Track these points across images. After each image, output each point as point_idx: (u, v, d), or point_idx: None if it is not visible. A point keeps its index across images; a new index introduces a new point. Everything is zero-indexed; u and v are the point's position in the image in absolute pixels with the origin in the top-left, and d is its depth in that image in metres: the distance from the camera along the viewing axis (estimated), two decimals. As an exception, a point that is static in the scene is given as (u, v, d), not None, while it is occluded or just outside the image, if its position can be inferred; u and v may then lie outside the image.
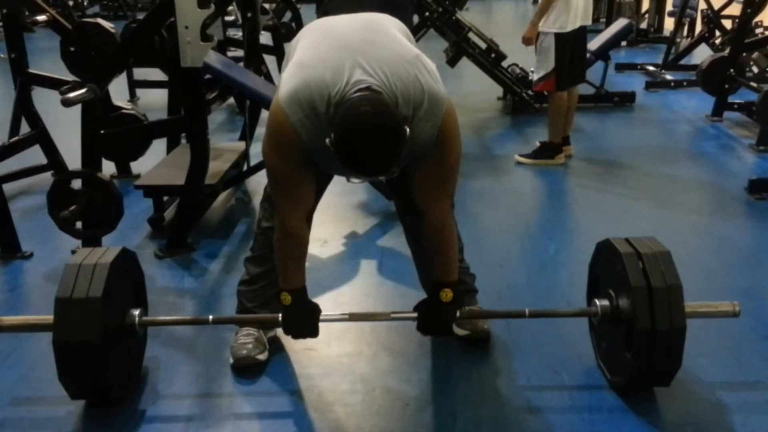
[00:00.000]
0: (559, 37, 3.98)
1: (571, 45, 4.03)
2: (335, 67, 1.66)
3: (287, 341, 2.25)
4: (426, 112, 1.70)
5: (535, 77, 4.25)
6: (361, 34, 1.77)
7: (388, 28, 1.86)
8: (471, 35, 5.36)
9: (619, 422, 1.90)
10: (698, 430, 1.87)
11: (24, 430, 1.88)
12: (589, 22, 4.16)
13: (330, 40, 1.78)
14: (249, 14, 4.01)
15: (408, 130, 1.61)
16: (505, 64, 5.52)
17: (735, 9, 6.39)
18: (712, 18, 6.94)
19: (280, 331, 2.25)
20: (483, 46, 5.43)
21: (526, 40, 4.20)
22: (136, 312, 1.98)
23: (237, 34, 5.54)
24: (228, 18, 5.51)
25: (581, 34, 4.12)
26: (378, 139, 1.54)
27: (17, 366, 2.17)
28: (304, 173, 1.79)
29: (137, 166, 3.92)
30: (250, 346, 2.15)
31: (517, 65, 5.67)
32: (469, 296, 2.31)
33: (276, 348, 2.23)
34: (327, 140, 1.59)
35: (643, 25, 9.25)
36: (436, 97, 1.71)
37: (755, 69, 5.95)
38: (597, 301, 2.02)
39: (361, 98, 1.58)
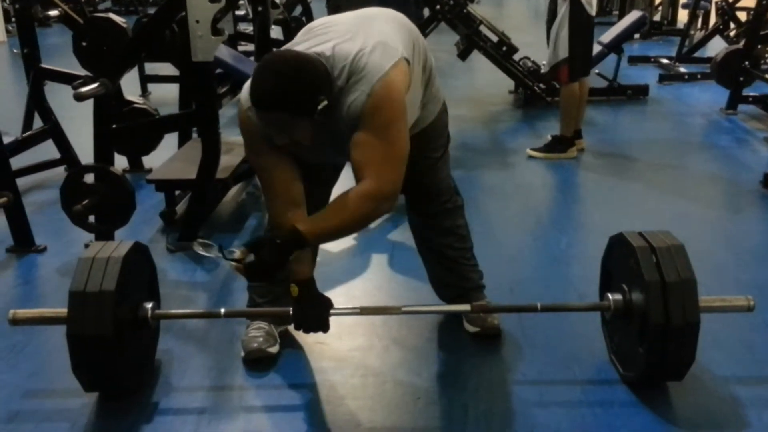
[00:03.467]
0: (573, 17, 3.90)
1: (583, 34, 3.99)
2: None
3: (299, 335, 2.25)
4: (354, 83, 1.71)
5: (548, 65, 4.22)
6: (347, 27, 1.81)
7: (378, 20, 1.87)
8: (482, 28, 5.33)
9: (631, 417, 1.89)
10: (712, 425, 1.86)
11: (38, 423, 1.90)
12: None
13: (319, 31, 1.83)
14: (260, 8, 4.00)
15: (324, 99, 1.66)
16: (516, 57, 5.49)
17: (750, 1, 6.31)
18: (727, 10, 6.87)
19: (291, 326, 2.26)
20: (494, 39, 5.41)
21: None
22: (149, 305, 1.99)
23: (248, 28, 5.54)
24: (239, 12, 5.51)
25: (591, 25, 4.09)
26: (271, 70, 1.64)
27: (31, 359, 2.19)
28: (277, 161, 1.82)
29: (149, 161, 3.93)
30: (261, 339, 2.16)
31: (528, 58, 5.63)
32: (476, 292, 2.30)
33: (287, 341, 2.24)
34: None
35: (657, 18, 9.17)
36: (370, 72, 1.70)
37: (770, 61, 5.88)
38: (610, 296, 2.01)
39: (288, 49, 1.73)
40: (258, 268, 1.78)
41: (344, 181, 2.07)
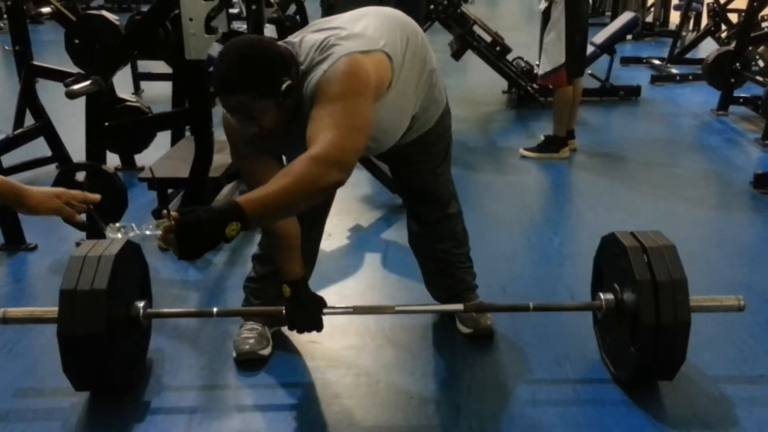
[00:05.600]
0: (570, 10, 3.90)
1: (581, 29, 3.99)
2: None
3: (291, 334, 2.25)
4: (320, 62, 1.66)
5: (541, 70, 4.22)
6: (339, 25, 1.79)
7: (369, 18, 1.84)
8: (476, 28, 5.34)
9: (622, 416, 1.90)
10: (702, 424, 1.87)
11: (28, 422, 1.89)
12: None
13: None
14: (253, 7, 3.99)
15: (288, 80, 1.60)
16: (510, 57, 5.50)
17: (741, 2, 6.33)
18: (718, 11, 6.90)
19: (285, 326, 2.26)
20: (488, 39, 5.41)
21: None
22: (141, 304, 1.99)
23: (241, 26, 5.53)
24: (232, 10, 5.50)
25: (585, 25, 4.10)
26: (233, 54, 1.59)
27: (22, 357, 2.18)
28: (257, 161, 1.81)
29: (141, 159, 3.92)
30: (253, 341, 2.15)
31: (522, 58, 5.64)
32: (469, 293, 2.30)
33: (280, 340, 2.24)
34: None
35: (649, 19, 9.22)
36: (337, 53, 1.65)
37: (761, 63, 5.91)
38: (601, 295, 2.02)
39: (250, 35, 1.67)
40: (188, 235, 1.45)
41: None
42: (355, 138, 1.59)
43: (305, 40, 1.72)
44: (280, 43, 1.70)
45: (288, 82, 1.60)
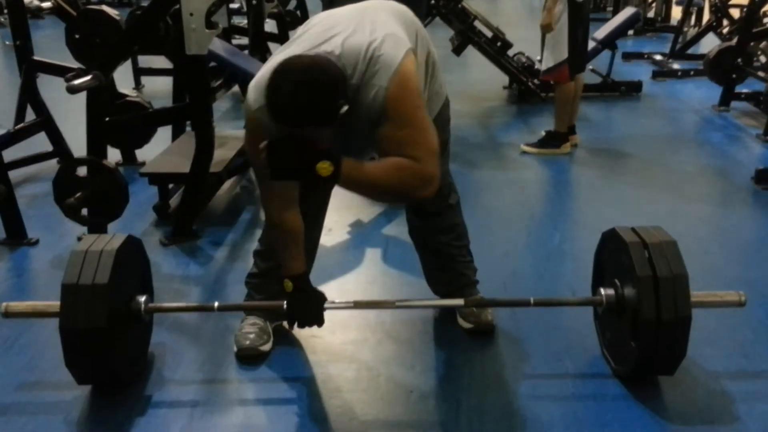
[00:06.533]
0: (572, 6, 3.89)
1: (582, 24, 3.98)
2: (306, 49, 1.70)
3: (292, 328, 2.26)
4: (369, 77, 1.68)
5: (544, 66, 4.21)
6: (348, 21, 1.79)
7: (380, 12, 1.85)
8: (477, 23, 5.33)
9: (623, 410, 1.90)
10: (703, 419, 1.87)
11: (31, 415, 1.89)
12: None
13: (320, 27, 1.80)
14: (254, 2, 4.00)
15: (344, 103, 1.59)
16: (511, 52, 5.49)
17: (743, -2, 6.33)
18: (720, 7, 6.88)
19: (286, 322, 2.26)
20: (489, 34, 5.41)
21: (545, 27, 4.11)
22: (142, 298, 1.99)
23: (242, 21, 5.53)
24: (233, 5, 5.50)
25: (587, 21, 4.09)
26: (296, 82, 1.55)
27: (24, 351, 2.19)
28: None
29: (142, 154, 3.92)
30: (253, 336, 2.15)
31: (523, 54, 5.63)
32: (470, 288, 2.31)
33: (281, 335, 2.24)
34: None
35: (651, 14, 9.19)
36: (384, 65, 1.68)
37: (763, 59, 5.90)
38: (602, 291, 2.02)
39: (300, 54, 1.65)
40: (280, 148, 1.60)
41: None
42: (437, 158, 1.73)
43: (346, 49, 1.69)
44: (325, 57, 1.65)
45: (345, 107, 1.60)
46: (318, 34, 1.77)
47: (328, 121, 1.60)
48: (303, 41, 1.78)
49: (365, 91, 1.68)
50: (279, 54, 1.79)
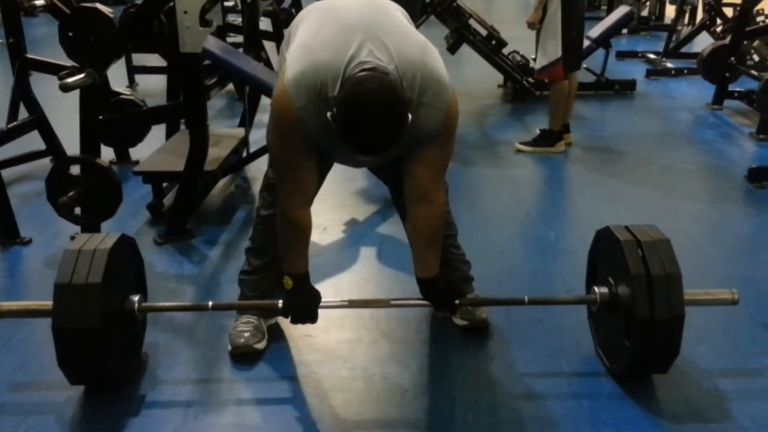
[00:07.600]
0: (565, 4, 3.90)
1: (577, 22, 3.99)
2: (342, 49, 1.66)
3: (287, 328, 2.25)
4: (431, 97, 1.69)
5: (538, 65, 4.21)
6: (367, 17, 1.77)
7: (393, 11, 1.86)
8: (472, 22, 5.33)
9: (617, 409, 1.91)
10: (696, 417, 1.88)
11: (23, 415, 1.89)
12: None
13: (334, 21, 1.77)
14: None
15: (410, 114, 1.60)
16: (505, 51, 5.49)
17: (736, -4, 6.35)
18: (714, 6, 6.90)
19: (280, 318, 2.26)
20: (484, 33, 5.40)
21: (530, 25, 4.14)
22: (136, 298, 1.98)
23: (236, 19, 5.51)
24: (227, 3, 5.48)
25: (581, 19, 4.09)
26: (382, 117, 1.54)
27: (16, 351, 2.18)
28: (307, 160, 1.78)
29: (136, 152, 3.90)
30: (248, 334, 2.15)
31: (517, 52, 5.63)
32: (465, 284, 2.31)
33: (275, 334, 2.24)
34: (329, 114, 1.59)
35: (644, 13, 9.20)
36: (442, 84, 1.71)
37: (756, 57, 5.92)
38: (596, 289, 2.03)
39: (367, 76, 1.57)
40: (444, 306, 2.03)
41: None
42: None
43: (400, 62, 1.65)
44: (386, 73, 1.61)
45: (410, 119, 1.60)
46: (339, 35, 1.69)
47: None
48: (328, 42, 1.69)
49: (425, 109, 1.68)
50: (305, 51, 1.70)
